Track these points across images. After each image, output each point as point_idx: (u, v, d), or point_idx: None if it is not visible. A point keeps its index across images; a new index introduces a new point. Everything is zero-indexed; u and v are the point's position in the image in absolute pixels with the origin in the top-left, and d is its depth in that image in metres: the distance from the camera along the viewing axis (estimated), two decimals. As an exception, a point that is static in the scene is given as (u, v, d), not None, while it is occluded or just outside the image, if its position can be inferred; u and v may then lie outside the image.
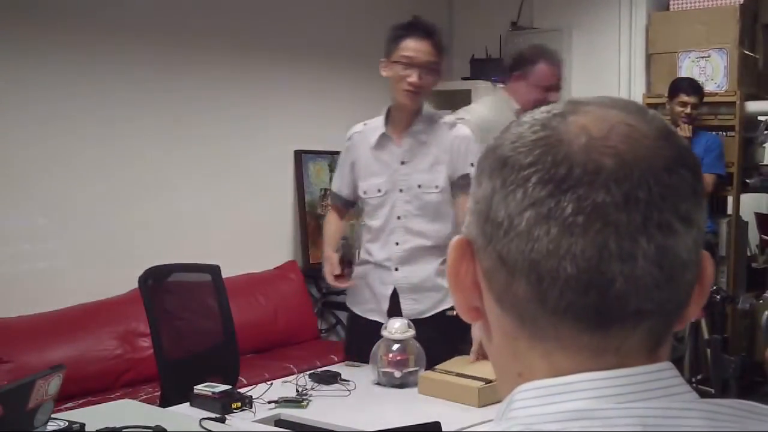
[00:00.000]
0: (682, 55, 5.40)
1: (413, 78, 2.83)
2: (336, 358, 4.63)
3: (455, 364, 2.71)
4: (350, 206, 3.21)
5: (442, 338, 2.86)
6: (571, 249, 0.64)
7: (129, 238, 4.46)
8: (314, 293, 5.36)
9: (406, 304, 2.94)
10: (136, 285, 4.30)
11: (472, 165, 2.98)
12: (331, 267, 3.02)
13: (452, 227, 2.95)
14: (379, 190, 2.98)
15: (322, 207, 5.41)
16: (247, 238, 5.03)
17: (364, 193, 3.02)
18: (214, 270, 3.40)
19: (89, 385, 3.78)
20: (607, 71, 5.75)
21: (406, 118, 2.93)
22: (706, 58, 5.31)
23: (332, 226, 3.20)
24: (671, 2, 5.58)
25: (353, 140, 3.04)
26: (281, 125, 5.25)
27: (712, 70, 5.24)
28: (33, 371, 3.71)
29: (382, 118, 2.98)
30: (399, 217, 2.96)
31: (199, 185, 4.80)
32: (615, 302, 0.65)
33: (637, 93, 5.67)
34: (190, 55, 4.73)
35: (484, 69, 5.84)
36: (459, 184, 2.93)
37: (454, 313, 2.72)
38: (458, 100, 5.97)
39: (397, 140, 2.96)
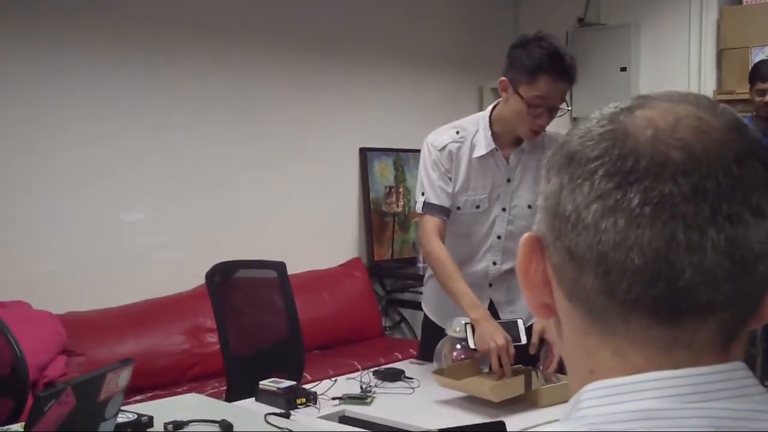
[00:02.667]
0: (756, 50, 5.27)
1: (542, 120, 2.58)
2: (400, 356, 4.63)
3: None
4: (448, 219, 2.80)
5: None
6: (638, 240, 0.64)
7: (196, 234, 4.52)
8: (378, 291, 5.37)
9: (505, 316, 2.79)
10: (203, 281, 4.41)
11: None
12: (501, 348, 2.49)
13: None
14: (478, 206, 2.76)
15: (386, 204, 5.42)
16: (313, 235, 5.06)
17: (459, 208, 2.76)
18: (279, 267, 3.42)
19: (157, 379, 3.85)
20: (677, 67, 5.64)
21: (516, 136, 2.70)
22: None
23: (453, 267, 2.68)
24: (744, -3, 5.45)
25: (449, 151, 2.73)
26: (346, 122, 5.27)
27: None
28: (103, 364, 3.78)
29: (480, 128, 2.73)
30: (499, 237, 2.79)
31: (264, 182, 4.84)
32: (684, 293, 0.64)
33: (707, 89, 5.55)
34: (257, 52, 4.78)
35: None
36: None
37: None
38: (524, 97, 5.93)
39: (504, 155, 2.74)
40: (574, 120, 4.90)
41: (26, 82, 3.91)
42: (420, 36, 5.69)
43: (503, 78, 2.63)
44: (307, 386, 2.57)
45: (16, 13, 3.87)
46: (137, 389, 3.58)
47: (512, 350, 2.52)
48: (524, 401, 2.44)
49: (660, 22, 5.72)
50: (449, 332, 2.70)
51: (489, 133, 2.72)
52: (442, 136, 2.79)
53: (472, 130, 2.76)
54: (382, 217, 5.42)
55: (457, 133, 2.77)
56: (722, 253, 0.63)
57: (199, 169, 4.55)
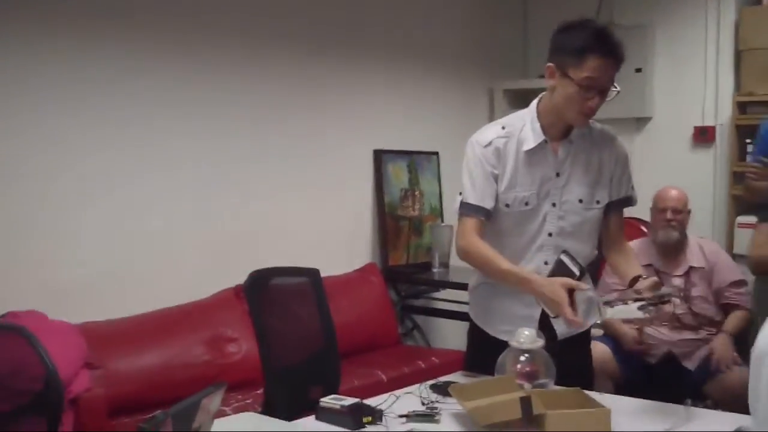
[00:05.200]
0: (776, 51, 5.19)
1: (594, 102, 2.49)
2: (423, 365, 4.51)
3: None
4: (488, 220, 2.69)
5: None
6: None
7: (209, 242, 4.36)
8: (393, 296, 5.22)
9: (558, 322, 2.65)
10: (219, 288, 4.26)
11: (633, 188, 2.79)
12: (560, 300, 2.43)
13: (593, 248, 2.75)
14: (527, 203, 2.63)
15: (402, 208, 5.28)
16: (327, 239, 4.92)
17: (507, 206, 2.64)
18: (313, 274, 3.28)
19: (179, 392, 3.60)
20: (693, 68, 5.57)
21: (565, 126, 2.62)
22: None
23: (496, 255, 2.61)
24: (763, -3, 5.37)
25: (495, 147, 2.63)
26: (360, 124, 5.14)
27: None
28: (123, 378, 3.63)
29: (526, 123, 2.63)
30: (550, 234, 2.66)
31: (277, 186, 4.69)
32: None
33: (725, 91, 5.47)
34: (271, 56, 4.64)
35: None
36: (617, 204, 2.73)
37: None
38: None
39: (552, 149, 2.63)
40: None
41: (41, 90, 3.73)
42: (431, 38, 5.57)
43: (550, 64, 2.54)
44: (368, 402, 2.41)
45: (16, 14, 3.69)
46: (158, 402, 3.39)
47: (576, 284, 2.44)
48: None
49: (676, 22, 5.64)
50: (513, 343, 2.56)
51: (537, 125, 2.62)
52: (487, 132, 2.68)
53: (519, 125, 2.65)
54: (397, 222, 5.27)
55: (503, 128, 2.66)
56: None
57: (215, 176, 4.40)
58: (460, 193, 2.68)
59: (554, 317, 2.54)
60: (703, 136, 5.50)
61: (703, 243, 4.17)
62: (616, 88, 2.54)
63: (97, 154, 3.92)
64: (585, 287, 2.51)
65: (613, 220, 2.74)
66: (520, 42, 6.27)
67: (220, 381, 1.71)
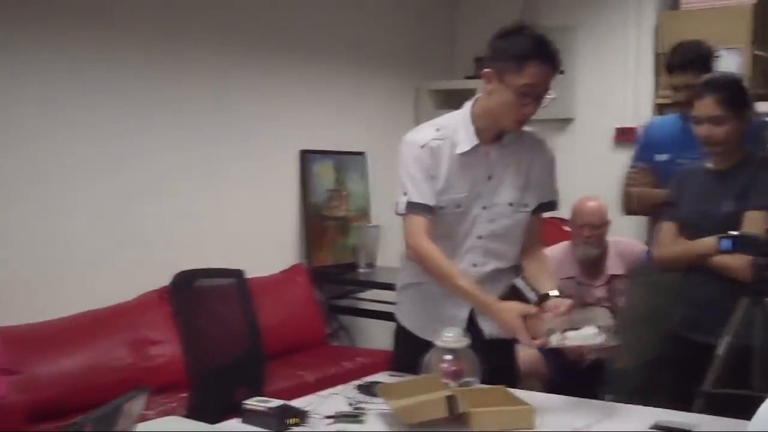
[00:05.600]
0: (693, 54, 5.31)
1: (530, 109, 2.52)
2: (349, 365, 4.50)
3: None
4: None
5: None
6: None
7: (131, 243, 4.28)
8: (319, 297, 5.21)
9: (486, 322, 2.69)
10: (142, 291, 4.20)
11: (557, 192, 2.83)
12: (517, 325, 2.46)
13: (519, 248, 2.77)
14: (459, 206, 2.65)
15: (328, 208, 5.27)
16: (253, 240, 4.88)
17: (441, 208, 2.65)
18: (238, 275, 3.25)
19: (101, 397, 3.51)
20: (615, 70, 5.68)
21: (499, 129, 2.63)
22: (717, 57, 5.22)
23: (450, 265, 2.61)
24: (682, 1, 5.51)
25: (430, 147, 2.62)
26: (286, 124, 5.11)
27: (725, 69, 5.15)
28: (44, 383, 3.54)
29: (460, 125, 2.64)
30: (480, 237, 2.69)
31: (201, 187, 4.64)
32: None
33: (645, 93, 5.59)
34: (192, 53, 4.57)
35: (488, 68, 5.72)
36: (540, 208, 2.76)
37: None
38: (462, 99, 5.84)
39: (485, 152, 2.65)
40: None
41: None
42: (357, 39, 5.57)
43: (488, 69, 2.56)
44: (293, 403, 2.40)
45: None
46: (81, 407, 3.30)
47: (532, 311, 2.48)
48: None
49: (598, 25, 5.75)
50: (438, 343, 2.57)
51: (471, 128, 2.63)
52: (421, 133, 2.68)
53: (453, 127, 2.66)
54: (323, 222, 5.26)
55: (437, 130, 2.66)
56: None
57: (138, 176, 4.32)
58: (405, 193, 2.64)
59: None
60: (624, 136, 5.61)
61: (623, 247, 4.22)
62: (551, 95, 2.57)
63: (13, 155, 3.82)
64: (541, 314, 2.50)
65: (533, 224, 2.77)
66: (446, 42, 6.32)
67: (143, 385, 1.68)
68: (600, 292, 4.13)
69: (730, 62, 5.19)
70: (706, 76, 3.32)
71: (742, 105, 3.07)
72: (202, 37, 4.59)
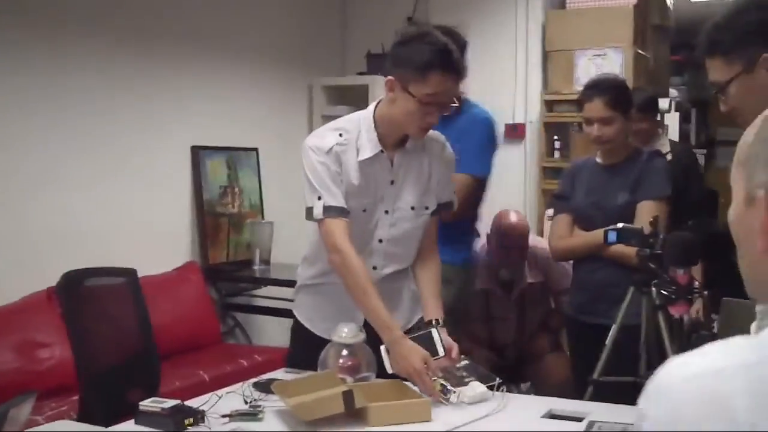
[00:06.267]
0: (579, 52, 5.48)
1: (434, 118, 2.52)
2: (245, 363, 4.47)
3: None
4: None
5: None
6: None
7: (16, 241, 4.14)
8: (213, 295, 5.15)
9: None
10: (28, 292, 4.06)
11: (454, 193, 2.85)
12: (420, 373, 2.44)
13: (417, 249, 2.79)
14: (365, 210, 2.64)
15: (221, 205, 5.20)
16: (144, 238, 4.78)
17: None
18: (130, 274, 3.19)
19: (-14, 402, 3.46)
20: (505, 67, 5.76)
21: (401, 136, 2.62)
22: (603, 56, 5.40)
23: (368, 281, 2.57)
24: (567, 1, 5.65)
25: (336, 153, 2.60)
26: (177, 120, 5.01)
27: (609, 68, 5.33)
28: None
29: (362, 130, 2.62)
30: (381, 240, 2.69)
31: (91, 183, 4.51)
32: None
33: (534, 90, 5.71)
34: (82, 46, 4.44)
35: (380, 64, 5.74)
36: (441, 208, 2.77)
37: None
38: (355, 95, 5.89)
39: (388, 157, 2.64)
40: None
41: None
42: (248, 34, 5.52)
43: (390, 78, 2.53)
44: (189, 404, 2.36)
45: None
46: (-36, 414, 3.20)
47: (433, 365, 2.46)
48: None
49: (487, 22, 5.83)
50: (335, 338, 2.58)
51: (374, 134, 2.62)
52: (325, 138, 2.64)
53: (355, 132, 2.64)
54: (216, 219, 5.19)
55: (340, 135, 2.64)
56: None
57: (23, 170, 4.17)
58: (320, 198, 2.58)
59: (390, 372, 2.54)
60: (514, 133, 5.72)
61: (539, 252, 4.12)
62: (455, 102, 2.59)
63: None
64: (438, 374, 2.50)
65: (430, 226, 2.78)
66: (338, 38, 6.32)
67: (30, 389, 1.63)
68: (512, 307, 4.17)
69: (613, 60, 5.37)
70: (592, 79, 3.46)
71: (627, 104, 3.24)
72: (92, 30, 4.47)
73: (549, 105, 5.63)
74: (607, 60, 5.39)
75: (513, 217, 4.09)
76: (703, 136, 8.94)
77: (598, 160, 3.34)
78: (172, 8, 4.97)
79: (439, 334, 2.57)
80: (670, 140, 4.58)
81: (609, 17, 5.44)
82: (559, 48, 5.57)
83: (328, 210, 2.58)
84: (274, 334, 5.16)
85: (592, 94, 3.23)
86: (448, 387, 2.47)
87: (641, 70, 5.48)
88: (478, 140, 3.38)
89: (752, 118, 2.02)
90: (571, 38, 5.51)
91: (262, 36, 5.64)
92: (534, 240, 4.26)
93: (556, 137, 5.63)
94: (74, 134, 4.42)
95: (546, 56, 5.68)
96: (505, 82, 5.78)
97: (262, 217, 5.44)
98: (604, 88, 3.24)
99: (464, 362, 2.63)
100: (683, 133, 7.20)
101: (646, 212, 3.08)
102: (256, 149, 5.49)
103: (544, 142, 5.64)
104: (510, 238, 4.04)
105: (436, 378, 2.49)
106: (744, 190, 1.01)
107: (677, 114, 6.79)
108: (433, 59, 2.44)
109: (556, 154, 5.63)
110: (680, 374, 0.89)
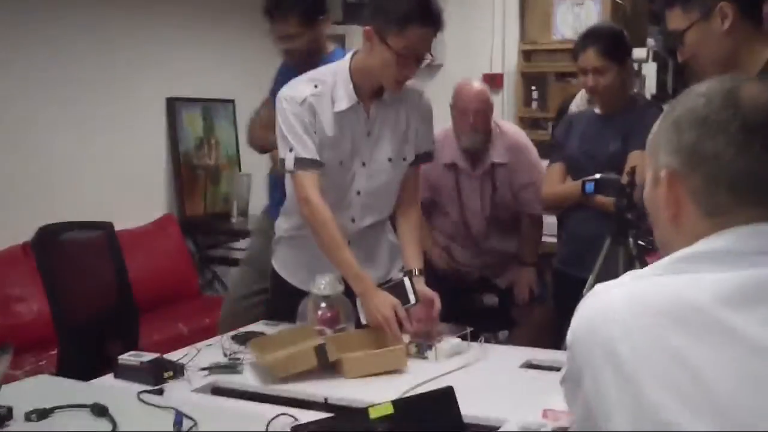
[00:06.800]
0: (557, 1, 5.44)
1: (411, 70, 2.49)
2: (224, 315, 4.47)
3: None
4: None
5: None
6: (757, 167, 1.10)
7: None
8: (191, 247, 5.14)
9: (366, 272, 2.63)
10: (3, 246, 4.03)
11: (433, 143, 2.82)
12: (389, 320, 2.44)
13: (395, 200, 2.77)
14: (341, 163, 2.62)
15: (198, 157, 5.18)
16: (121, 191, 4.75)
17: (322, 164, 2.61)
18: (106, 227, 3.17)
19: (-37, 357, 3.45)
20: (482, 18, 5.72)
21: (378, 86, 2.60)
22: (581, 5, 5.37)
23: (338, 234, 2.56)
24: (546, -52, 5.59)
25: (309, 103, 2.57)
26: (152, 71, 4.95)
27: (587, 16, 5.30)
28: None
29: (338, 81, 2.59)
30: (359, 193, 2.67)
31: (65, 135, 4.48)
32: None
33: (511, 40, 5.68)
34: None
35: (357, 14, 5.68)
36: (417, 159, 2.75)
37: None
38: (330, 46, 5.81)
39: (365, 109, 2.61)
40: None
41: None
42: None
43: (368, 27, 2.50)
44: (169, 357, 2.37)
45: None
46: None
47: (402, 313, 2.46)
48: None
49: (464, -28, 5.77)
50: (313, 290, 2.58)
51: (350, 85, 2.59)
52: (299, 89, 2.61)
53: (331, 82, 2.61)
54: (193, 171, 5.16)
55: (316, 86, 2.60)
56: None
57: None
58: (291, 149, 2.56)
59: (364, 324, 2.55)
60: (492, 82, 5.69)
61: (506, 133, 3.91)
62: (431, 55, 2.56)
63: None
64: (410, 323, 2.52)
65: (410, 177, 2.77)
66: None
67: (5, 343, 1.62)
68: (478, 181, 3.89)
69: (591, 9, 5.34)
70: (587, 28, 3.40)
71: (623, 54, 3.19)
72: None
73: (526, 55, 5.60)
74: (585, 9, 5.36)
75: (473, 82, 3.87)
76: (680, 87, 8.94)
77: (596, 110, 3.33)
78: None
79: (412, 282, 2.56)
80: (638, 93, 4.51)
81: (587, -35, 5.39)
82: (537, -3, 5.53)
83: (299, 162, 2.56)
84: (253, 286, 5.16)
85: (586, 44, 3.18)
86: (425, 345, 2.48)
87: (618, 18, 5.45)
88: None
89: (709, 65, 2.08)
90: (549, -13, 5.46)
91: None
92: (501, 122, 4.06)
93: (533, 87, 5.61)
94: (47, 84, 4.36)
95: (523, 5, 5.63)
96: (482, 32, 5.74)
97: (240, 169, 5.41)
98: (597, 37, 3.18)
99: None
100: (660, 83, 7.19)
101: (637, 161, 3.06)
102: (232, 101, 5.44)
103: (522, 93, 5.62)
104: (470, 100, 3.75)
105: (411, 341, 2.50)
106: (652, 172, 1.19)
107: (654, 64, 6.77)
108: (412, 11, 2.41)
109: (534, 105, 5.61)
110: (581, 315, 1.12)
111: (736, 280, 1.05)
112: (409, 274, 2.63)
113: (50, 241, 2.89)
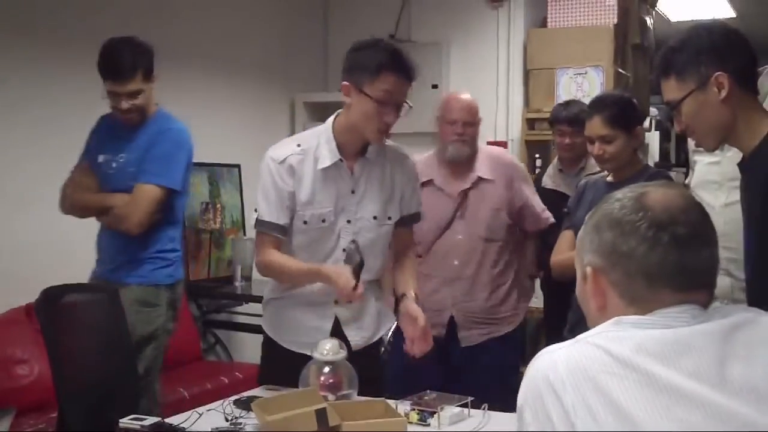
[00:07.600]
0: (560, 71, 5.52)
1: (391, 118, 2.57)
2: (226, 380, 4.46)
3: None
4: (285, 236, 2.73)
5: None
6: (669, 260, 1.29)
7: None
8: (194, 311, 5.13)
9: (352, 333, 2.75)
10: (6, 308, 4.03)
11: (420, 204, 2.89)
12: (346, 280, 2.55)
13: (384, 262, 2.82)
14: (324, 220, 2.67)
15: (203, 221, 5.19)
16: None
17: (305, 222, 2.68)
18: (110, 290, 3.18)
19: (-36, 419, 3.43)
20: (486, 85, 5.80)
21: (362, 143, 2.67)
22: (583, 75, 5.44)
23: (289, 259, 2.70)
24: (548, 20, 5.69)
25: (290, 164, 2.65)
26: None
27: (589, 86, 5.37)
28: None
29: (321, 141, 2.66)
30: (345, 251, 2.69)
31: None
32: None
33: (516, 107, 5.75)
34: (59, 57, 4.42)
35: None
36: (406, 220, 2.82)
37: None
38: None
39: (348, 167, 2.68)
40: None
41: None
42: (232, 50, 5.52)
43: (345, 83, 2.59)
44: (170, 421, 2.35)
45: None
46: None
47: (352, 282, 2.55)
48: None
49: (469, 40, 5.88)
50: (316, 355, 2.58)
51: (333, 144, 2.66)
52: (282, 149, 2.71)
53: (314, 142, 2.69)
54: (198, 235, 5.18)
55: (298, 146, 2.69)
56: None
57: (0, 188, 4.14)
58: (256, 210, 2.69)
59: (347, 303, 2.65)
60: (496, 150, 5.73)
61: (494, 152, 3.85)
62: (408, 104, 2.63)
63: None
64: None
65: (401, 236, 2.84)
66: (320, 55, 6.33)
67: (8, 406, 1.61)
68: (456, 202, 3.61)
69: (594, 79, 5.41)
70: (595, 96, 3.40)
71: (630, 121, 3.16)
72: (72, 38, 4.46)
73: (530, 123, 5.67)
74: (588, 78, 5.43)
75: (461, 94, 3.70)
76: (682, 155, 9.00)
77: (609, 178, 3.33)
78: (158, 22, 4.97)
79: (356, 245, 2.63)
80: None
81: (589, 36, 5.49)
82: (541, 66, 5.62)
83: (259, 224, 2.69)
84: (255, 350, 5.06)
85: (592, 112, 3.18)
86: (426, 412, 2.47)
87: (621, 88, 5.52)
88: (168, 149, 3.39)
89: (705, 134, 2.10)
90: (552, 57, 5.56)
91: (244, 52, 5.64)
92: (495, 148, 4.02)
93: (537, 155, 5.67)
94: (56, 151, 4.40)
95: (527, 74, 5.72)
96: (487, 100, 5.79)
97: (244, 234, 5.44)
98: (603, 105, 3.17)
99: (431, 395, 2.62)
100: (663, 152, 7.25)
101: None
102: (238, 165, 5.49)
103: (526, 160, 5.66)
104: (457, 111, 3.57)
105: (413, 408, 2.49)
106: (581, 270, 1.39)
107: (657, 133, 6.84)
108: (384, 61, 2.53)
109: (537, 171, 5.64)
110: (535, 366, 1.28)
111: (656, 336, 1.23)
112: (402, 297, 2.71)
113: (53, 304, 2.89)
